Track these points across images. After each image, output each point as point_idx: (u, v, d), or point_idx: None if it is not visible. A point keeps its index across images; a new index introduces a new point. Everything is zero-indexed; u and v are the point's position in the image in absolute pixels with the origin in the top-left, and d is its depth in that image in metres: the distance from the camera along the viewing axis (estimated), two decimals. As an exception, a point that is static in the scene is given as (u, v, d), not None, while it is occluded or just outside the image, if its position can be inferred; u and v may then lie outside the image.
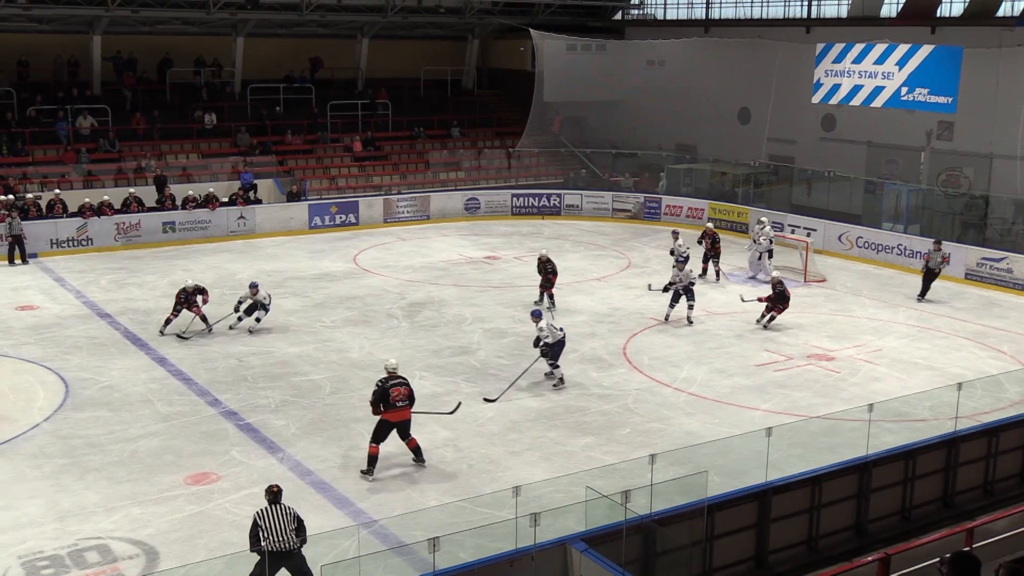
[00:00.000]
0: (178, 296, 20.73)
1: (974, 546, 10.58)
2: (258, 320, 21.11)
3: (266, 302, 21.08)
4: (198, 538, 12.49)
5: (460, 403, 16.32)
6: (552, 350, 17.81)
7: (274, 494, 10.82)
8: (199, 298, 20.83)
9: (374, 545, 11.84)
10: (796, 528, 12.55)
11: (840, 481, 12.84)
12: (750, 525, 12.16)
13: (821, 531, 12.67)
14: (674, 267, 22.39)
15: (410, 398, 14.43)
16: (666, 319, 22.13)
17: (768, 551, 12.24)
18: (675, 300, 22.12)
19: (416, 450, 14.54)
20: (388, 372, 14.48)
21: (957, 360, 19.88)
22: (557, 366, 18.00)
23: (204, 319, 20.85)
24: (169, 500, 13.49)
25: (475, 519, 12.13)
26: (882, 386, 18.15)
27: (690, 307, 22.09)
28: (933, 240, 25.13)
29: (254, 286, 21.12)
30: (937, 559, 7.84)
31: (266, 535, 10.48)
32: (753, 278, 26.18)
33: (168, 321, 20.72)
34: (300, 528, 10.65)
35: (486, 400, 17.16)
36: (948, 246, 26.77)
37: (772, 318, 21.74)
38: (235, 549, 11.73)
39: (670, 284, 22.21)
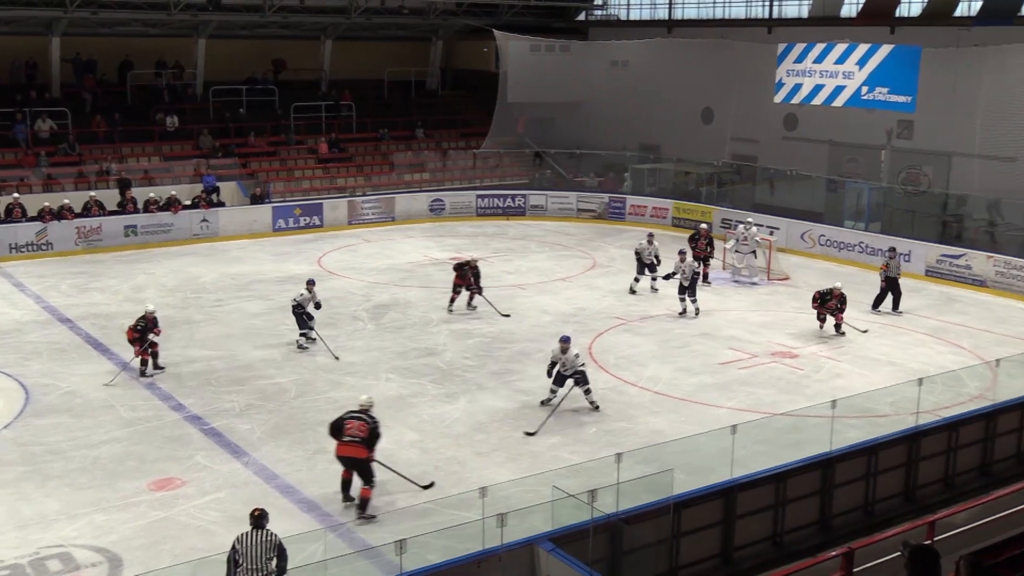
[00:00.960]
0: (136, 327, 18.36)
1: (935, 539, 10.70)
2: (312, 328, 20.24)
3: (317, 302, 20.44)
4: (162, 544, 12.38)
5: (433, 483, 14.28)
6: (582, 376, 16.88)
7: (256, 518, 10.38)
8: (153, 332, 18.56)
9: (341, 548, 11.81)
10: (761, 524, 12.62)
11: (804, 477, 12.93)
12: (716, 522, 12.22)
13: (786, 527, 12.76)
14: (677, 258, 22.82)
15: (365, 439, 13.34)
16: (682, 313, 22.61)
17: (734, 548, 12.31)
18: (682, 291, 22.59)
19: (363, 503, 13.26)
20: (359, 405, 13.82)
21: (918, 356, 20.10)
22: (589, 390, 16.96)
23: (145, 363, 18.44)
24: (132, 506, 13.37)
25: (442, 520, 12.12)
26: (844, 382, 18.32)
27: (693, 300, 22.59)
28: (888, 248, 24.77)
29: (311, 282, 20.62)
30: (901, 543, 7.94)
31: (242, 562, 10.14)
32: (754, 284, 26.00)
33: (144, 362, 18.43)
34: (281, 557, 10.21)
35: (527, 434, 16.04)
36: (909, 243, 27.10)
37: (837, 325, 21.37)
38: (200, 555, 11.67)
39: (671, 274, 22.81)
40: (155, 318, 18.70)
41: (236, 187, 33.15)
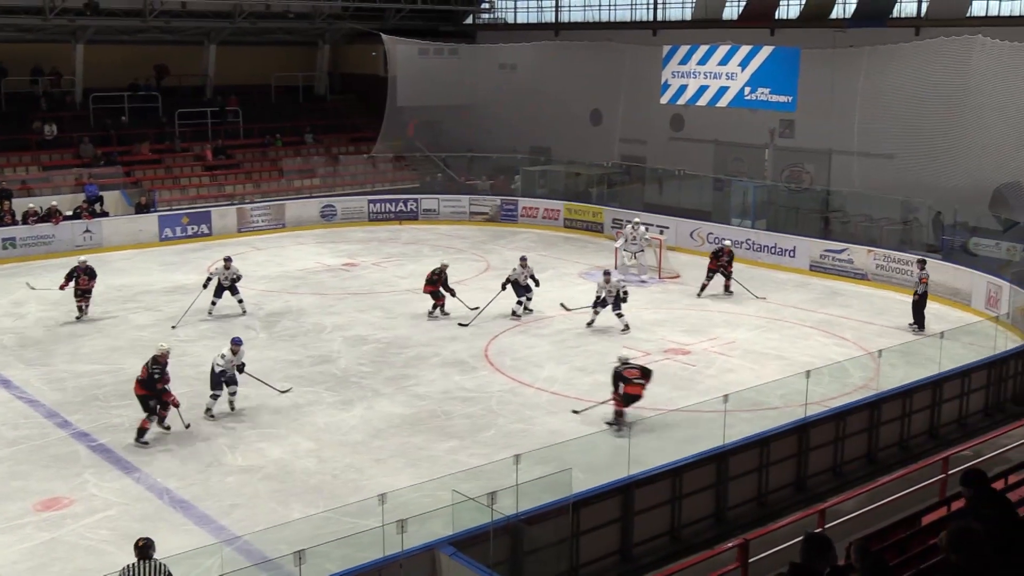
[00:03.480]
0: (70, 275, 22.15)
1: (826, 527, 11.01)
2: (241, 301, 22.71)
3: (238, 276, 22.22)
4: (50, 566, 12.00)
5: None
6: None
7: (141, 548, 9.93)
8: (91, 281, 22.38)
9: (238, 562, 11.57)
10: (659, 519, 12.80)
11: (699, 471, 13.15)
12: (614, 519, 12.34)
13: (683, 521, 12.96)
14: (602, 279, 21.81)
15: (143, 381, 15.92)
16: (589, 325, 21.77)
17: (633, 543, 12.45)
18: (600, 305, 21.61)
19: (138, 431, 15.81)
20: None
21: (805, 349, 20.66)
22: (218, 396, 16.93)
23: (83, 306, 22.38)
24: (17, 528, 12.92)
25: (341, 529, 11.98)
26: (736, 377, 18.70)
27: (619, 315, 21.46)
28: (918, 260, 23.34)
29: (228, 259, 22.68)
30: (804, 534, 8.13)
31: None
32: (643, 282, 26.13)
33: (80, 307, 22.37)
34: None
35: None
36: (793, 239, 27.78)
37: None
38: (90, 575, 11.32)
39: (597, 298, 21.63)
40: (89, 268, 22.29)
41: (120, 196, 32.32)
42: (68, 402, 17.41)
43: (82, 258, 22.69)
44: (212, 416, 16.69)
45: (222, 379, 16.82)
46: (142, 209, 31.32)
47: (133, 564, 9.89)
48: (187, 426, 16.18)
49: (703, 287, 24.94)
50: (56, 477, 14.43)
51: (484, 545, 10.83)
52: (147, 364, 15.93)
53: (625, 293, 21.70)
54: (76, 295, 22.25)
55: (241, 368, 17.10)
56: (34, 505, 13.55)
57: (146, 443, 15.56)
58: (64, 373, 18.91)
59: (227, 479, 14.41)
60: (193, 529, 12.92)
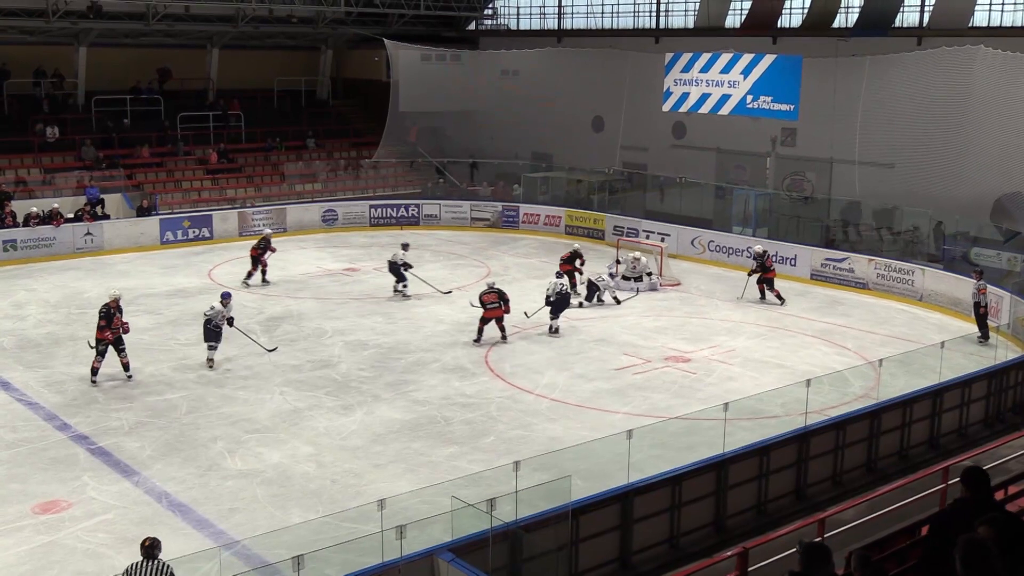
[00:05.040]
0: (258, 245, 26.05)
1: (826, 536, 11.00)
2: (405, 285, 24.94)
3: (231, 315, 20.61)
4: (48, 569, 11.98)
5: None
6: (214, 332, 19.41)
7: (147, 548, 9.95)
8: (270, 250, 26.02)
9: (237, 566, 11.55)
10: (658, 527, 12.77)
11: (699, 479, 13.13)
12: (614, 527, 12.32)
13: (682, 529, 12.93)
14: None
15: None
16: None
17: (632, 551, 12.43)
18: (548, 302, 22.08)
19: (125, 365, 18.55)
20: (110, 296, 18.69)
21: (805, 357, 20.63)
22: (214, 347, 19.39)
23: (260, 274, 26.04)
24: (16, 531, 12.89)
25: (340, 534, 11.97)
26: (736, 385, 18.68)
27: (553, 317, 21.82)
28: (975, 271, 22.65)
29: (406, 246, 25.39)
30: (798, 541, 8.13)
31: None
32: (653, 290, 26.28)
33: (250, 274, 26.01)
34: None
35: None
36: (794, 248, 27.77)
37: None
38: (89, 578, 11.32)
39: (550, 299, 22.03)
40: (268, 238, 26.36)
41: (121, 199, 32.32)
42: (68, 405, 17.40)
43: (267, 231, 27.16)
44: (211, 366, 19.08)
45: (211, 328, 19.08)
46: (143, 212, 31.35)
47: (137, 563, 9.90)
48: (129, 377, 18.49)
49: (776, 295, 24.94)
50: (55, 480, 14.41)
51: (483, 551, 10.81)
52: (105, 311, 18.39)
53: (561, 294, 22.03)
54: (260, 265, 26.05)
55: (231, 322, 19.30)
56: (32, 508, 13.53)
57: (95, 382, 18.21)
58: (64, 376, 18.89)
59: (226, 483, 14.39)
60: (192, 533, 12.89)
